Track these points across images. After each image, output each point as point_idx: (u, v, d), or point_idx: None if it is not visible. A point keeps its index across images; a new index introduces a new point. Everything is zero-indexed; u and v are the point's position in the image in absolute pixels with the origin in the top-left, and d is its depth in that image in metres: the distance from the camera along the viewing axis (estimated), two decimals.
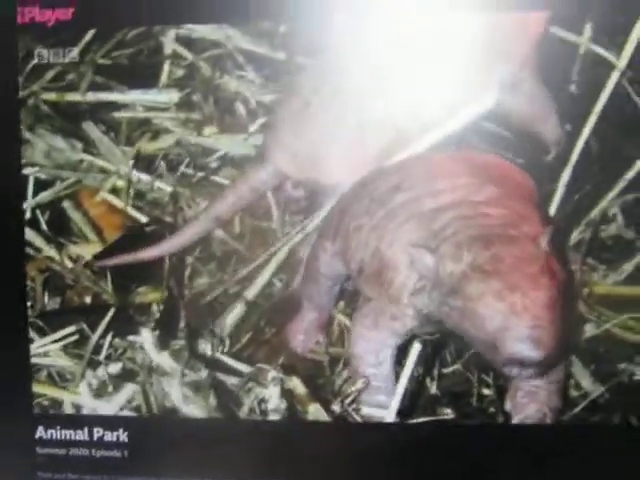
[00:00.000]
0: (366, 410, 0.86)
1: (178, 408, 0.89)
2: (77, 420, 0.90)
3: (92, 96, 1.05)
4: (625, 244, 0.96)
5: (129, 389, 0.91)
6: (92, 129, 1.05)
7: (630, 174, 0.94)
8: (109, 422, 0.89)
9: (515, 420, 0.84)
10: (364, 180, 0.91)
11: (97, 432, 0.89)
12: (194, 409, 0.89)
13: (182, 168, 1.04)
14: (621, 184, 0.95)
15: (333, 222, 0.92)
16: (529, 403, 0.84)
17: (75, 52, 0.97)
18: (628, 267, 0.94)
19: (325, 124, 0.95)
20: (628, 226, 0.96)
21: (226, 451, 0.87)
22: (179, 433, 0.89)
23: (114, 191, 1.04)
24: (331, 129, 0.95)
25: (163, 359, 0.91)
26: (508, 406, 0.85)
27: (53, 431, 0.90)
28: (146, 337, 0.92)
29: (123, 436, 0.89)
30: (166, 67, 1.05)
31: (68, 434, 0.90)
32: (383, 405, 0.86)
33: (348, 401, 0.86)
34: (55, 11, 0.90)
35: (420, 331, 0.84)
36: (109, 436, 0.89)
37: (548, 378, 0.83)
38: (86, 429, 0.89)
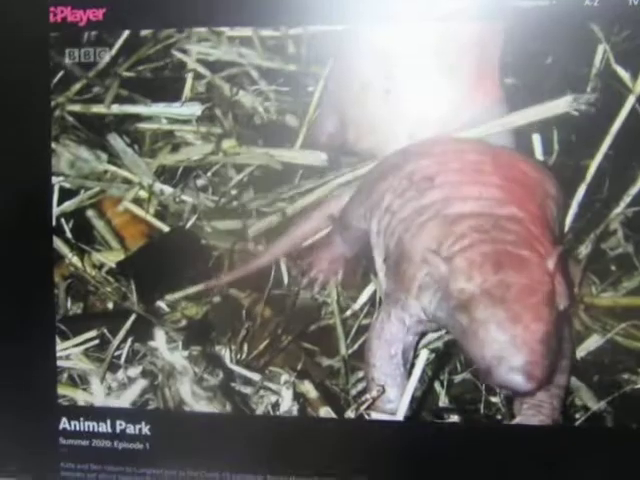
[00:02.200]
0: (374, 416, 0.89)
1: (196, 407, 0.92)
2: (100, 413, 0.92)
3: (117, 108, 1.08)
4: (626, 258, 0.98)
5: (146, 391, 0.94)
6: (117, 141, 1.08)
7: (634, 189, 0.97)
8: (131, 415, 0.92)
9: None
10: (406, 152, 0.95)
11: (119, 425, 0.91)
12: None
13: (203, 181, 1.08)
14: (626, 199, 0.97)
15: (370, 183, 0.97)
16: (535, 415, 0.87)
17: (107, 55, 1.01)
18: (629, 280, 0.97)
19: None
20: (628, 240, 0.98)
21: (244, 445, 0.89)
22: (199, 427, 0.91)
23: (136, 201, 1.08)
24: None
25: (176, 359, 0.93)
26: (516, 417, 0.88)
27: (76, 422, 0.92)
28: (159, 338, 0.95)
29: (145, 429, 0.91)
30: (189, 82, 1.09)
31: (91, 426, 0.92)
32: (391, 411, 0.88)
33: (363, 408, 0.89)
34: (87, 11, 0.92)
35: (428, 327, 0.88)
36: (131, 429, 0.91)
37: (551, 391, 0.86)
38: (109, 421, 0.92)
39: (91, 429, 0.92)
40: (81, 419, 0.92)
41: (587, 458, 0.85)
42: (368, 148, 1.01)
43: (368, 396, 0.89)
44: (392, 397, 0.89)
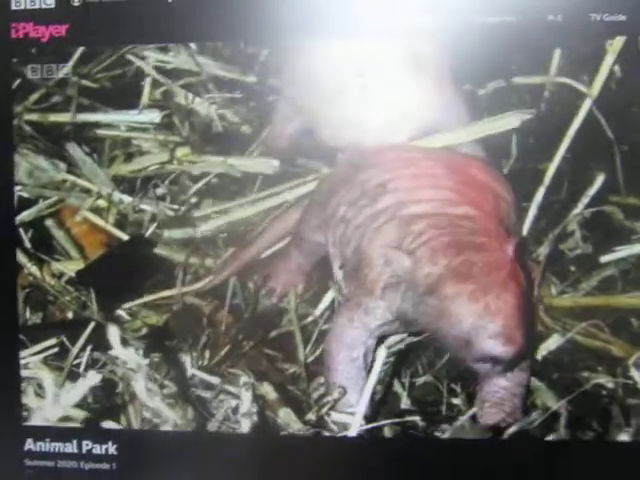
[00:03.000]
0: (335, 415, 0.89)
1: (162, 421, 0.91)
2: (66, 433, 0.91)
3: (77, 117, 1.08)
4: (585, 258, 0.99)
5: (107, 396, 0.94)
6: (75, 150, 1.07)
7: (592, 190, 0.98)
8: (98, 435, 0.91)
9: (479, 425, 0.88)
10: (357, 162, 0.96)
11: (86, 445, 0.90)
12: (174, 419, 0.91)
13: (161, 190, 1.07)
14: (584, 200, 0.98)
15: (322, 196, 0.97)
16: (496, 413, 0.87)
17: (67, 69, 1.01)
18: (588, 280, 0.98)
19: None
20: (586, 241, 0.99)
21: (214, 464, 0.89)
22: (167, 446, 0.90)
23: (96, 210, 1.07)
24: None
25: (130, 355, 0.92)
26: (476, 413, 0.89)
27: (42, 443, 0.91)
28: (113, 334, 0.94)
29: (112, 449, 0.90)
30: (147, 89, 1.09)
31: (57, 447, 0.91)
32: (350, 412, 0.88)
33: (324, 410, 0.89)
34: (49, 27, 0.92)
35: (391, 329, 0.87)
36: (98, 449, 0.90)
37: (512, 390, 0.87)
38: (75, 442, 0.91)
39: (57, 450, 0.91)
40: (47, 440, 0.91)
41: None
42: (347, 143, 1.01)
43: (329, 398, 0.88)
44: (353, 400, 0.89)
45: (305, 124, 1.05)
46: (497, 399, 0.87)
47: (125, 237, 1.06)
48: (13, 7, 0.93)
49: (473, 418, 0.88)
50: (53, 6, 0.92)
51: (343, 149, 1.01)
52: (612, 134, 0.97)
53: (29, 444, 0.92)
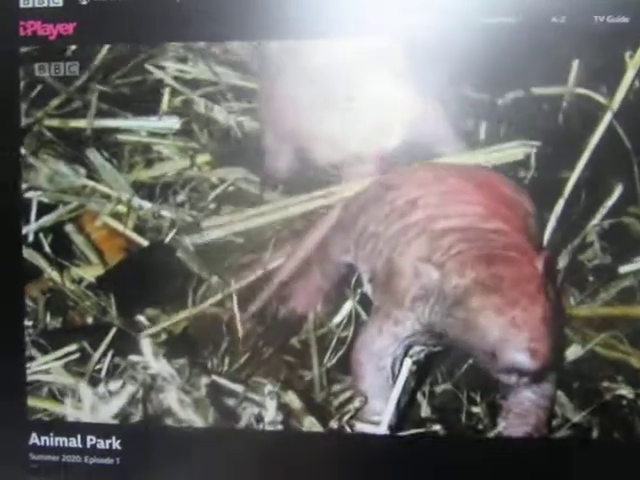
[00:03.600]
0: (359, 426, 0.89)
1: (172, 416, 0.92)
2: (70, 427, 0.92)
3: (97, 122, 1.08)
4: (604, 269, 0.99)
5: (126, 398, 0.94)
6: (95, 155, 1.07)
7: (609, 202, 0.99)
8: (102, 430, 0.91)
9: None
10: (387, 182, 0.96)
11: (90, 440, 0.91)
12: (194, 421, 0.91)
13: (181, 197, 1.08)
14: (602, 211, 0.99)
15: (351, 215, 0.97)
16: (521, 425, 0.88)
17: (76, 68, 1.01)
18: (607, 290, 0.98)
19: None
20: (604, 252, 0.99)
21: (218, 460, 0.90)
22: (171, 441, 0.91)
23: (115, 215, 1.07)
24: None
25: (162, 366, 0.93)
26: (501, 427, 0.90)
27: (47, 438, 0.92)
28: (145, 347, 0.94)
29: (116, 444, 0.90)
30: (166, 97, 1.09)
31: (61, 441, 0.91)
32: (375, 421, 0.89)
33: (346, 418, 0.89)
34: (57, 26, 0.93)
35: (420, 340, 0.88)
36: (102, 444, 0.91)
37: (537, 402, 0.88)
38: (79, 436, 0.91)
39: (61, 444, 0.91)
40: (51, 434, 0.92)
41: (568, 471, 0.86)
42: (337, 162, 1.01)
43: (351, 407, 0.89)
44: (378, 409, 0.90)
45: (296, 151, 1.05)
46: (521, 410, 0.88)
47: (145, 243, 1.06)
48: (22, 5, 0.93)
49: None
50: (61, 4, 0.93)
51: (339, 166, 1.01)
52: (630, 145, 0.98)
53: (34, 438, 0.92)
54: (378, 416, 0.89)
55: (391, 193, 0.94)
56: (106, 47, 1.03)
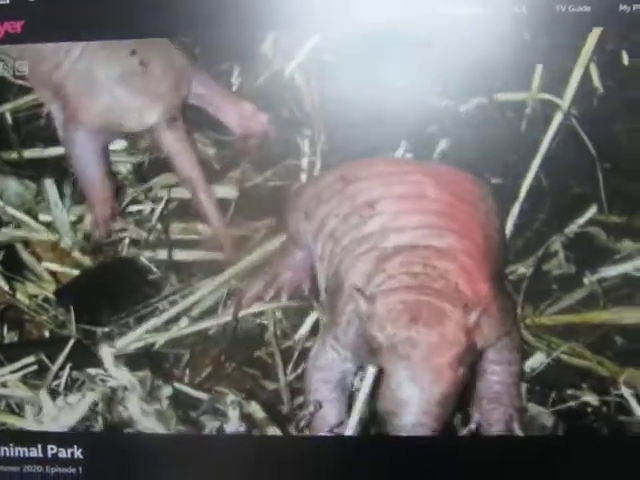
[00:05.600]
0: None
1: (134, 425, 0.90)
2: (31, 437, 0.90)
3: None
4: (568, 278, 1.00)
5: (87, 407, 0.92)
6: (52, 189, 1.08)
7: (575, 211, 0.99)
8: (63, 439, 0.89)
9: (484, 427, 0.88)
10: (347, 174, 0.95)
11: (51, 449, 0.88)
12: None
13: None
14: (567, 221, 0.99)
15: (306, 200, 0.97)
16: (496, 407, 0.88)
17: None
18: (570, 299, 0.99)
19: None
20: (569, 261, 1.00)
21: (180, 467, 0.88)
22: (134, 449, 0.89)
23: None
24: None
25: (123, 374, 0.92)
26: (476, 417, 0.89)
27: (6, 448, 0.89)
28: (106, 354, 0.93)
29: (78, 453, 0.88)
30: None
31: (22, 451, 0.89)
32: (332, 431, 0.88)
33: (302, 424, 0.88)
34: (5, 24, 0.92)
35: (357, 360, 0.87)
36: (63, 453, 0.88)
37: (506, 381, 0.88)
38: (40, 446, 0.89)
39: (21, 455, 0.89)
40: (11, 445, 0.89)
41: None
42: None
43: (305, 412, 0.88)
44: (331, 420, 0.88)
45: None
46: (493, 394, 0.88)
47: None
48: None
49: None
50: (8, 2, 0.92)
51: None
52: (595, 152, 0.98)
53: None
54: (333, 427, 0.88)
55: (351, 186, 0.93)
56: None
